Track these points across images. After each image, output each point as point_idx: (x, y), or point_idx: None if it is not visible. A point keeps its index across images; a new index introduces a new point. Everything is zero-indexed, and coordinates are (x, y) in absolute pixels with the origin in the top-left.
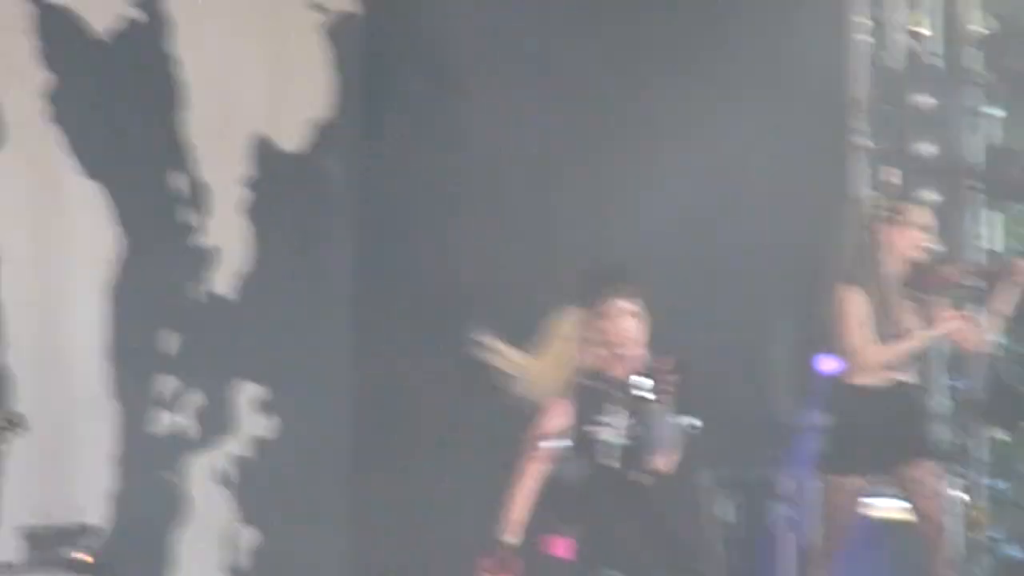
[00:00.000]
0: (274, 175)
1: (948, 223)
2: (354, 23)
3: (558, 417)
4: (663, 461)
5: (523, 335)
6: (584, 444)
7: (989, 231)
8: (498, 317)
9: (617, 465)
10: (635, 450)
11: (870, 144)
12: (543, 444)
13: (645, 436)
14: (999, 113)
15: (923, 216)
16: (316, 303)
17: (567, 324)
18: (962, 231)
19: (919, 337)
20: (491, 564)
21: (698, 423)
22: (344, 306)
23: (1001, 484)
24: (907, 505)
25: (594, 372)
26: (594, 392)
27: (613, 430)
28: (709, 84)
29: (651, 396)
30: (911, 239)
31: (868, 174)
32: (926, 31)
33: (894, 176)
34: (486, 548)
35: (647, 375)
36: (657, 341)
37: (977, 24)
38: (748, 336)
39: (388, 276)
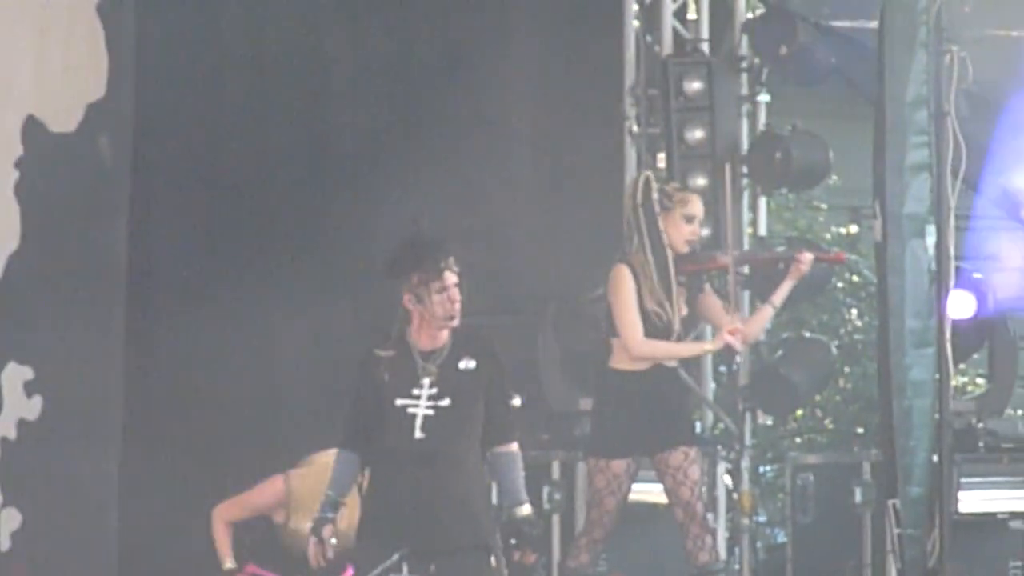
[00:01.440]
0: (45, 156)
1: (715, 208)
2: (126, 2)
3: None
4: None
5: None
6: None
7: (755, 216)
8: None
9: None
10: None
11: (640, 129)
12: None
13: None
14: (764, 98)
15: (694, 205)
16: (87, 283)
17: None
18: (728, 216)
19: (694, 348)
20: None
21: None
22: (116, 286)
23: (766, 469)
24: (664, 489)
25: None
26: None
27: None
28: (491, 73)
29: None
30: (681, 228)
31: (639, 160)
32: (699, 16)
33: (663, 162)
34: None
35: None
36: None
37: (748, 10)
38: (523, 319)
39: (160, 257)
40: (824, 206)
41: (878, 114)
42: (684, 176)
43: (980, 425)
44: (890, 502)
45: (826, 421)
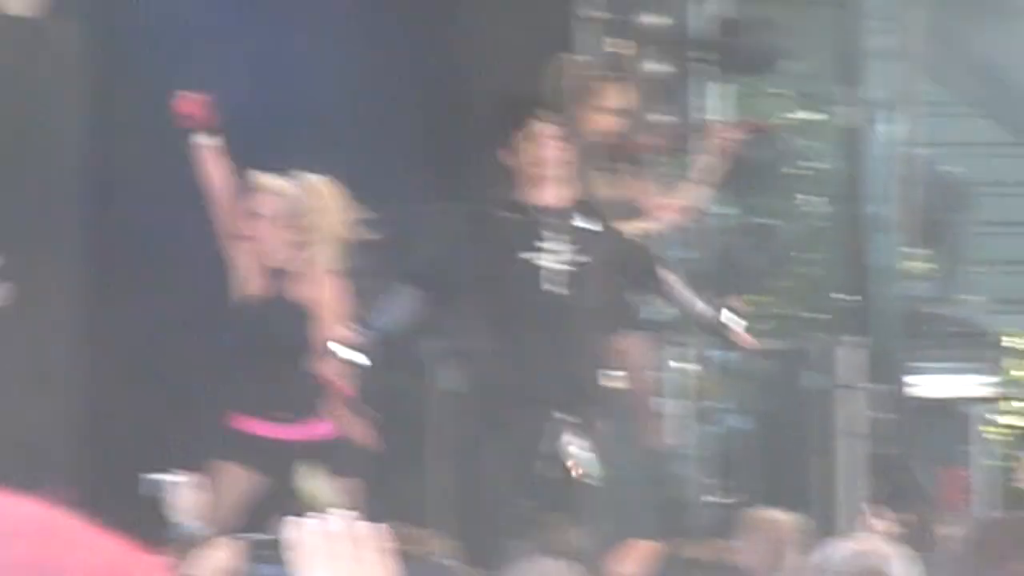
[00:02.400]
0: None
1: (677, 95)
2: None
3: None
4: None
5: None
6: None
7: (722, 104)
8: None
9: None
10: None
11: (599, 15)
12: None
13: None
14: None
15: (607, 96)
16: (46, 165)
17: None
18: (690, 103)
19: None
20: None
21: None
22: (76, 164)
23: (731, 355)
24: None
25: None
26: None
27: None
28: None
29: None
30: (592, 119)
31: (595, 46)
32: None
33: (624, 47)
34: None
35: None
36: None
37: None
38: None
39: (123, 137)
40: (782, 92)
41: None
42: (644, 61)
43: (931, 311)
44: (841, 388)
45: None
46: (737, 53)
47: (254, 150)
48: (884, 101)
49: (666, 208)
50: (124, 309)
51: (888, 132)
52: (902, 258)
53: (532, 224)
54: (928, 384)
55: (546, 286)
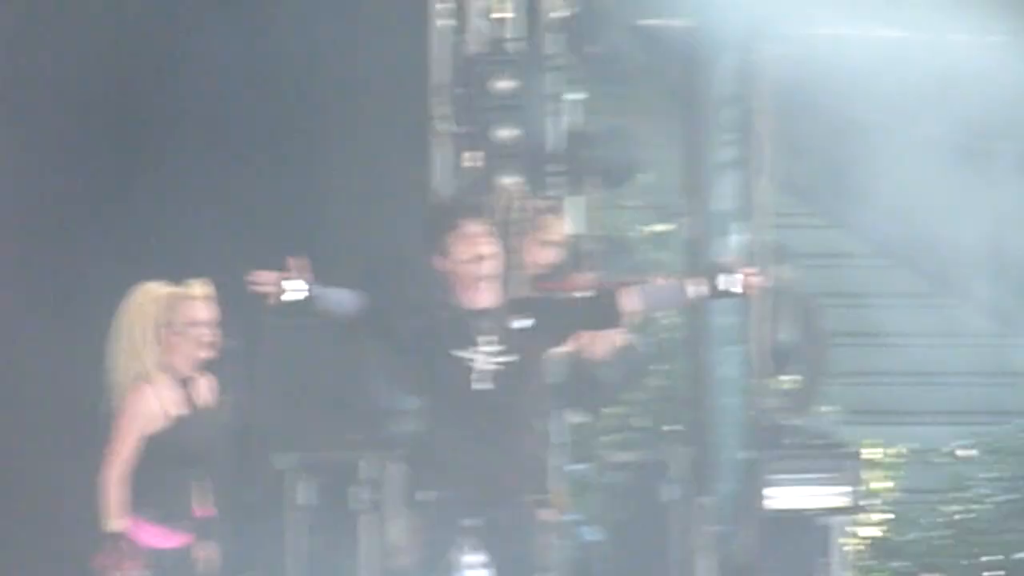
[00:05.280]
0: None
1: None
2: None
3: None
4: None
5: None
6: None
7: (572, 215)
8: None
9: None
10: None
11: (453, 129)
12: None
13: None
14: (579, 96)
15: (553, 231)
16: None
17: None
18: None
19: None
20: (107, 560)
21: None
22: None
23: (581, 467)
24: None
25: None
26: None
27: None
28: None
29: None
30: (537, 252)
31: (451, 160)
32: (508, 14)
33: (477, 160)
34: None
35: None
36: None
37: (558, 8)
38: None
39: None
40: (632, 204)
41: (684, 113)
42: (493, 175)
43: (789, 423)
44: (698, 499)
45: (632, 420)
46: (587, 165)
47: None
48: (733, 212)
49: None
50: None
51: (737, 242)
52: (751, 370)
53: (465, 325)
54: (786, 495)
55: (476, 385)
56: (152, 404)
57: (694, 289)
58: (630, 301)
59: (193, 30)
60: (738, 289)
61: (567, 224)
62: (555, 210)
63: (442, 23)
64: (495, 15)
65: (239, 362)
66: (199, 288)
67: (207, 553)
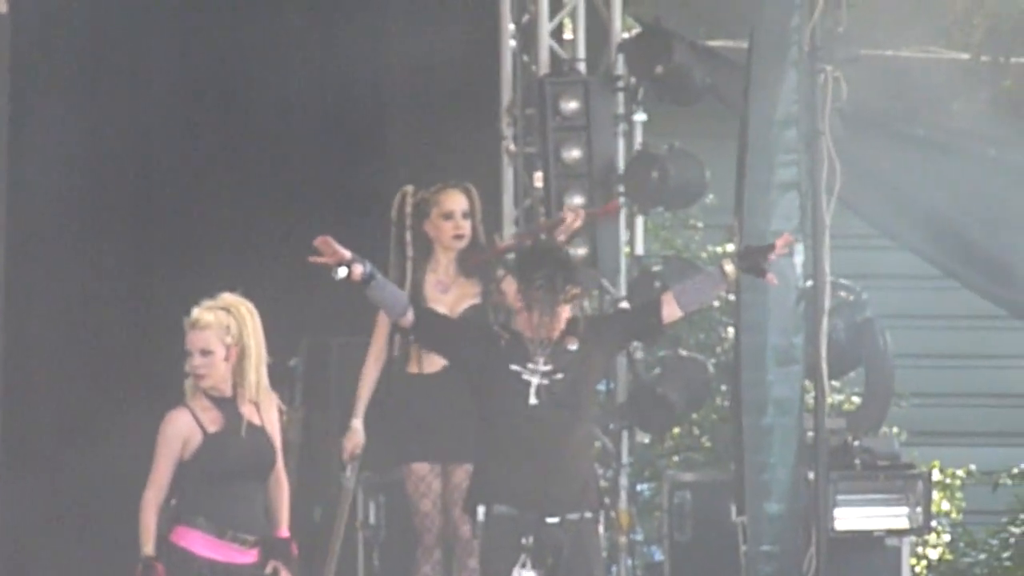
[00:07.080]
0: None
1: (596, 228)
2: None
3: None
4: None
5: None
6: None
7: (632, 235)
8: None
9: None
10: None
11: (518, 149)
12: None
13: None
14: (641, 117)
15: (449, 201)
16: None
17: None
18: (609, 235)
19: None
20: None
21: None
22: None
23: (643, 487)
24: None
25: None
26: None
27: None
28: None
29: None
30: (441, 226)
31: (516, 179)
32: (576, 36)
33: (540, 181)
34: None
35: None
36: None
37: (619, 28)
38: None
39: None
40: (700, 224)
41: (742, 132)
42: (561, 195)
43: (856, 443)
44: (739, 519)
45: (703, 439)
46: (648, 185)
47: None
48: (795, 232)
49: None
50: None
51: (795, 263)
52: (823, 389)
53: (521, 343)
54: (854, 516)
55: (532, 400)
56: (182, 426)
57: (729, 269)
58: (670, 308)
59: (269, 51)
60: (766, 258)
61: (469, 195)
62: (453, 185)
63: (512, 44)
64: (562, 36)
65: (303, 380)
66: (193, 316)
67: (280, 572)
